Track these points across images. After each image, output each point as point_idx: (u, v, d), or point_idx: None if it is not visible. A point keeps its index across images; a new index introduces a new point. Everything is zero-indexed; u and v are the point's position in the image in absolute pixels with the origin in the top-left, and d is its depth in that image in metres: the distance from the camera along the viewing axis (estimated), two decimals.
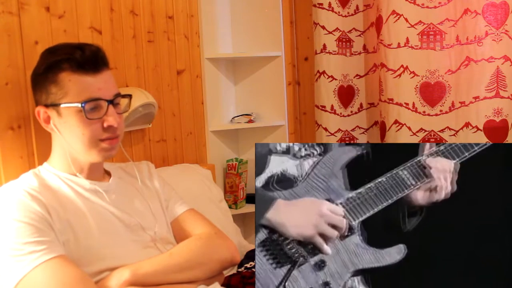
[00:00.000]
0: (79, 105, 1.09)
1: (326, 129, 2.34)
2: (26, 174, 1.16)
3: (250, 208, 2.41)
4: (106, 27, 1.69)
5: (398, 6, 2.08)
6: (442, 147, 1.11)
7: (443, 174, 1.07)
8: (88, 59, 1.11)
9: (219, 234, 1.33)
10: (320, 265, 1.01)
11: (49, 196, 1.09)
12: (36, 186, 1.10)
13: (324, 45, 2.30)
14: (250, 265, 1.61)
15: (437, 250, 1.18)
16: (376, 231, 1.08)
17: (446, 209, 1.30)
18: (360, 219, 1.05)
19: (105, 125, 1.13)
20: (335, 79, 2.32)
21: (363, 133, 2.41)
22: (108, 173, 1.29)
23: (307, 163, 1.09)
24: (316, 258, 1.01)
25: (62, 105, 1.10)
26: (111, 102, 1.14)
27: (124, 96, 1.21)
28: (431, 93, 2.10)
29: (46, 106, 1.13)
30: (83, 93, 1.10)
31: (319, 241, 1.00)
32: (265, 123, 2.46)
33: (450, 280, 1.13)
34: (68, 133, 1.13)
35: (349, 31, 2.34)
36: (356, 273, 1.03)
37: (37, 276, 0.98)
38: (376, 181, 1.08)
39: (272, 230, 1.00)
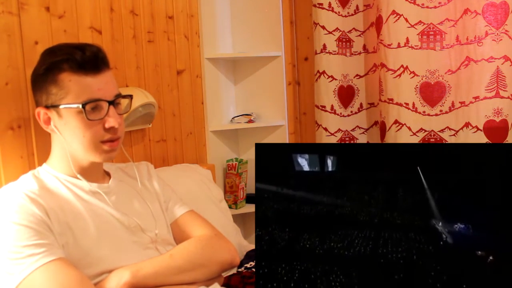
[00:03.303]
0: (80, 106, 1.09)
1: (326, 129, 2.33)
2: (25, 176, 1.16)
3: (250, 208, 2.41)
4: (106, 27, 1.69)
5: (398, 6, 2.08)
6: None
7: None
8: (89, 59, 1.10)
9: (219, 236, 1.32)
10: None
11: (49, 198, 1.09)
12: (36, 189, 1.09)
13: (324, 45, 2.29)
14: (250, 265, 1.61)
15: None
16: None
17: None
18: None
19: (106, 126, 1.12)
20: (335, 79, 2.32)
21: (363, 133, 2.41)
22: (107, 174, 1.29)
23: None
24: None
25: (62, 106, 1.10)
26: (111, 102, 1.13)
27: (125, 96, 1.21)
28: (431, 93, 2.10)
29: (47, 107, 1.12)
30: (84, 94, 1.09)
31: None
32: (265, 123, 2.46)
33: None
34: (69, 134, 1.12)
35: (349, 31, 2.34)
36: None
37: (36, 279, 0.97)
38: None
39: None
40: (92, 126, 1.11)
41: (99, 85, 1.11)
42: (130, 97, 1.24)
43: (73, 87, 1.09)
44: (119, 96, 1.16)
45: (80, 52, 1.10)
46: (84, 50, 1.10)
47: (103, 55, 1.14)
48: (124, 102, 1.23)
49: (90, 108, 1.10)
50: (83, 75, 1.10)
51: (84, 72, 1.10)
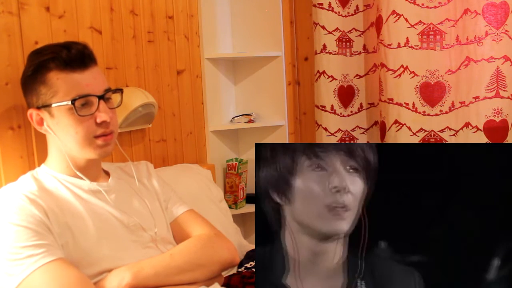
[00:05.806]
0: (69, 102, 1.09)
1: (326, 129, 2.34)
2: (24, 176, 1.16)
3: (250, 208, 2.41)
4: (106, 27, 1.69)
5: (398, 6, 2.08)
6: None
7: None
8: (75, 56, 1.10)
9: (219, 235, 1.32)
10: None
11: (48, 199, 1.09)
12: (35, 189, 1.10)
13: (324, 45, 2.30)
14: (250, 265, 1.61)
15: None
16: None
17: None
18: None
19: (97, 120, 1.12)
20: (335, 79, 2.32)
21: (363, 133, 2.41)
22: (106, 173, 1.29)
23: None
24: None
25: (53, 105, 1.10)
26: (101, 97, 1.13)
27: (115, 91, 1.20)
28: (431, 93, 2.10)
29: (38, 108, 1.13)
30: (72, 91, 1.10)
31: None
32: (265, 123, 2.46)
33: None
34: (62, 133, 1.13)
35: (349, 31, 2.34)
36: None
37: (36, 280, 0.97)
38: None
39: None
40: (84, 122, 1.11)
41: (87, 80, 1.12)
42: (121, 91, 1.24)
43: (62, 85, 1.10)
44: (108, 90, 1.16)
45: (66, 50, 1.10)
46: (70, 48, 1.11)
47: (89, 52, 1.14)
48: (116, 97, 1.22)
49: (80, 104, 1.11)
50: (70, 72, 1.10)
51: (71, 69, 1.10)
